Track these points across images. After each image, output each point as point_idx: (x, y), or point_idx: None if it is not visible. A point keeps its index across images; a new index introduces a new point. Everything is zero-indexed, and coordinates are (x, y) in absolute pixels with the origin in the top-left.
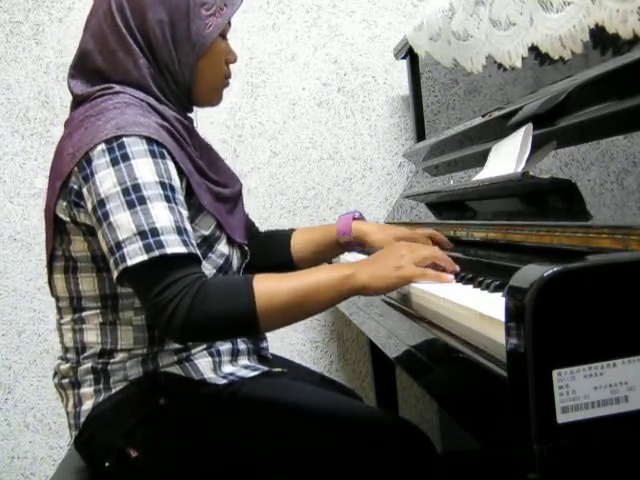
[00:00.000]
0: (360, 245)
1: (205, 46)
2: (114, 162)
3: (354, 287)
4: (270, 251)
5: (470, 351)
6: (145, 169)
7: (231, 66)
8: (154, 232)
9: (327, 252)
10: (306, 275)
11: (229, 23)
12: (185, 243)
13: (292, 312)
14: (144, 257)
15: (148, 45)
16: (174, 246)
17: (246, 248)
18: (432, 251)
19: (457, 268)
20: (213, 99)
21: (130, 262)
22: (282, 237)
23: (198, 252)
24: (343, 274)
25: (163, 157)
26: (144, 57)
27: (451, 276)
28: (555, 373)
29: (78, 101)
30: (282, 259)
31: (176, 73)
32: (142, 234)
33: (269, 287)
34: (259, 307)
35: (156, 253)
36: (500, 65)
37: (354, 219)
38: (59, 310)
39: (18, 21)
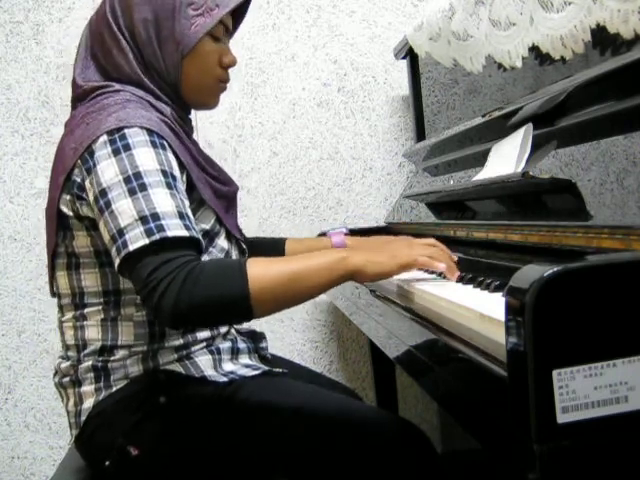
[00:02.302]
0: None
1: (189, 45)
2: (116, 152)
3: (348, 269)
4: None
5: (470, 351)
6: (146, 158)
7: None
8: (155, 217)
9: None
10: (300, 258)
11: (226, 26)
12: (187, 227)
13: (286, 295)
14: (145, 241)
15: (134, 43)
16: (175, 229)
17: (244, 246)
18: (431, 250)
19: (456, 274)
20: (206, 101)
21: (132, 247)
22: (276, 245)
23: (200, 237)
24: (338, 256)
25: (164, 148)
26: (133, 54)
27: (442, 265)
28: (555, 373)
29: (79, 96)
30: None
31: (162, 71)
32: (143, 219)
33: (262, 270)
34: (252, 290)
35: (157, 236)
36: (500, 65)
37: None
38: (60, 308)
39: (18, 21)
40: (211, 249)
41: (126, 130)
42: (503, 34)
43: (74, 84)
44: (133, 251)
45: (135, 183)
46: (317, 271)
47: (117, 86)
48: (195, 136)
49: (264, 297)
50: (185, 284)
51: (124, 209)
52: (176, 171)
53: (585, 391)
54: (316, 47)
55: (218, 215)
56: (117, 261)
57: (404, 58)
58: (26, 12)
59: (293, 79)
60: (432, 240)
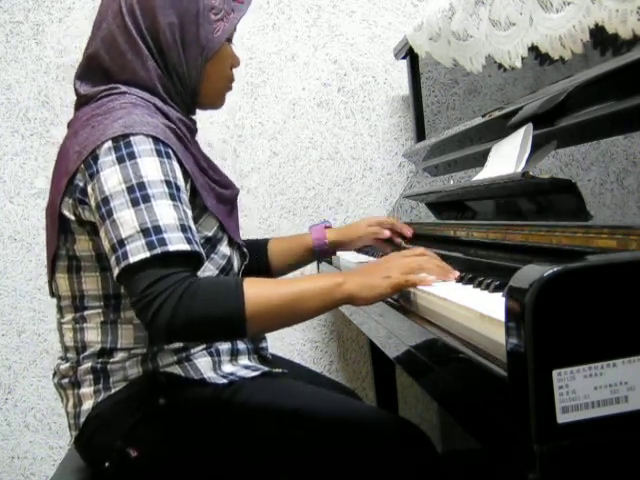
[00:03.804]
0: (333, 252)
1: (214, 50)
2: (120, 160)
3: (343, 295)
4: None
5: (470, 351)
6: (151, 167)
7: None
8: (157, 230)
9: (301, 261)
10: (297, 282)
11: (234, 28)
12: (189, 241)
13: (281, 317)
14: (146, 254)
15: (158, 47)
16: (177, 243)
17: (245, 250)
18: (421, 261)
19: (451, 276)
20: (217, 102)
21: (132, 259)
22: (259, 247)
23: (202, 250)
24: (334, 282)
25: (169, 157)
26: (153, 59)
27: (432, 277)
28: (555, 373)
29: (82, 101)
30: (259, 268)
31: (184, 75)
32: (145, 232)
33: (259, 291)
34: (248, 310)
35: (158, 250)
36: (500, 65)
37: (326, 228)
38: (60, 309)
39: (18, 21)
40: (213, 255)
41: (132, 137)
42: (503, 34)
43: (76, 92)
44: (133, 263)
45: (138, 193)
46: (312, 296)
47: (123, 88)
48: (196, 137)
49: (258, 318)
50: (182, 299)
51: (126, 220)
52: (180, 181)
53: (585, 391)
54: (316, 47)
55: (221, 222)
56: (116, 271)
57: (404, 58)
58: (26, 12)
59: (293, 79)
60: (420, 249)
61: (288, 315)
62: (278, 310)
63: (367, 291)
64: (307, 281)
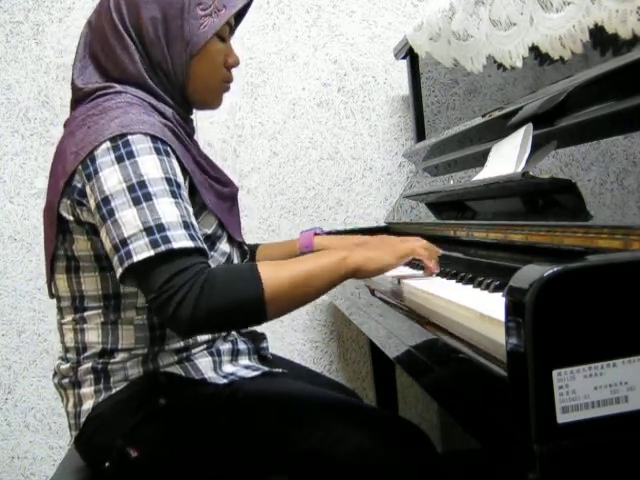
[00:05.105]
0: None
1: (198, 45)
2: (119, 159)
3: (350, 268)
4: None
5: (470, 351)
6: (150, 166)
7: None
8: (160, 228)
9: None
10: (305, 261)
11: (230, 26)
12: (192, 237)
13: (297, 297)
14: (150, 253)
15: (142, 42)
16: (181, 240)
17: (245, 247)
18: (420, 242)
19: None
20: (211, 102)
21: (136, 258)
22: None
23: (205, 246)
24: (339, 256)
25: (168, 155)
26: (138, 54)
27: (433, 263)
28: (555, 373)
29: (79, 98)
30: None
31: (169, 71)
32: (148, 230)
33: (274, 273)
34: (267, 293)
35: (162, 248)
36: (500, 65)
37: (315, 234)
38: (60, 310)
39: (18, 21)
40: (212, 253)
41: (129, 137)
42: (503, 34)
43: (73, 86)
44: (137, 262)
45: (139, 192)
46: (322, 273)
47: (118, 87)
48: (195, 136)
49: (277, 299)
50: (203, 291)
51: (128, 219)
52: (180, 178)
53: (585, 391)
54: (316, 47)
55: (220, 219)
56: (120, 271)
57: (404, 58)
58: (26, 12)
59: (293, 79)
60: (418, 238)
61: (302, 294)
62: (293, 290)
63: (373, 263)
64: (314, 259)
